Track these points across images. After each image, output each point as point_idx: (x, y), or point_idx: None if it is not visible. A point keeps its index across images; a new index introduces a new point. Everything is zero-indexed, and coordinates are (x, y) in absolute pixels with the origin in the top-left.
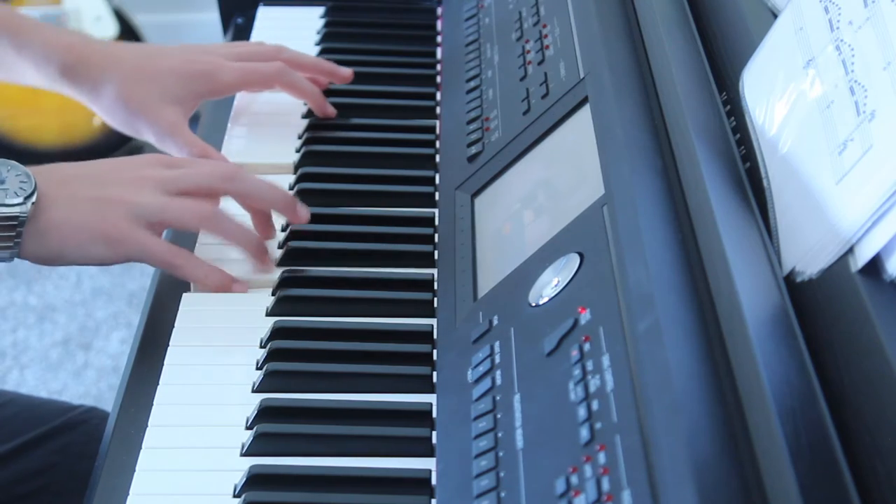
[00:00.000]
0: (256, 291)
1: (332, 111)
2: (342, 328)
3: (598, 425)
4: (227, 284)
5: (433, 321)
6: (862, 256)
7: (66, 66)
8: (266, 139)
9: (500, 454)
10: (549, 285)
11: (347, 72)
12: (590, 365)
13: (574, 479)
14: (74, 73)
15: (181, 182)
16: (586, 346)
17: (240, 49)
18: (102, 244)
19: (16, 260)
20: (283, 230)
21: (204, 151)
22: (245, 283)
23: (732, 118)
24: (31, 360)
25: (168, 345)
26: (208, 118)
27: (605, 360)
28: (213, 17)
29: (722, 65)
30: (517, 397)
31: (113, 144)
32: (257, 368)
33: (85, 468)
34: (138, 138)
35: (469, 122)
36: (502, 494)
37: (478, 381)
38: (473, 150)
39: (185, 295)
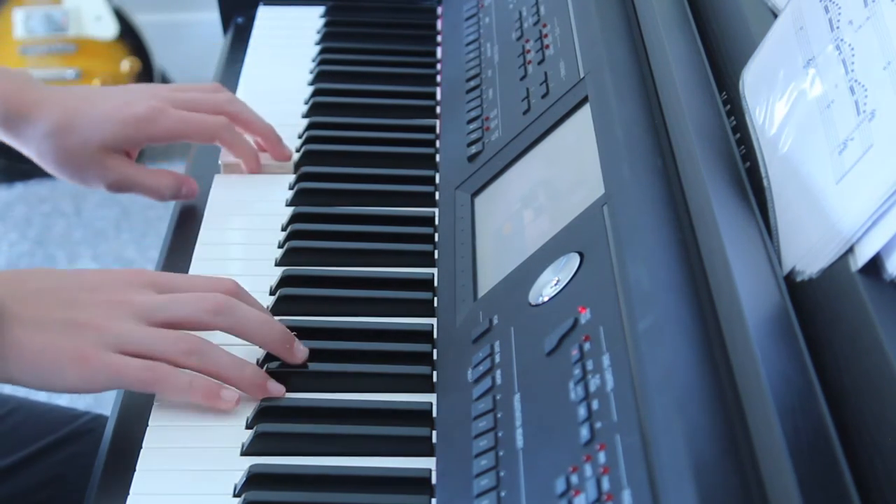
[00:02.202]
0: (257, 292)
1: (259, 169)
2: (342, 328)
3: (598, 425)
4: (214, 392)
5: (433, 321)
6: (862, 256)
7: (3, 119)
8: None
9: (501, 453)
10: (549, 285)
11: (289, 151)
12: (590, 364)
13: (574, 479)
14: (13, 127)
15: (163, 313)
16: (586, 346)
17: (188, 95)
18: (67, 371)
19: (17, 259)
20: (283, 230)
21: (171, 181)
22: (235, 395)
23: (732, 118)
24: None
25: None
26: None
27: (606, 360)
28: (213, 16)
29: (722, 64)
30: (517, 397)
31: None
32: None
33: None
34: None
35: (469, 122)
36: (502, 494)
37: (478, 380)
38: (473, 149)
39: None
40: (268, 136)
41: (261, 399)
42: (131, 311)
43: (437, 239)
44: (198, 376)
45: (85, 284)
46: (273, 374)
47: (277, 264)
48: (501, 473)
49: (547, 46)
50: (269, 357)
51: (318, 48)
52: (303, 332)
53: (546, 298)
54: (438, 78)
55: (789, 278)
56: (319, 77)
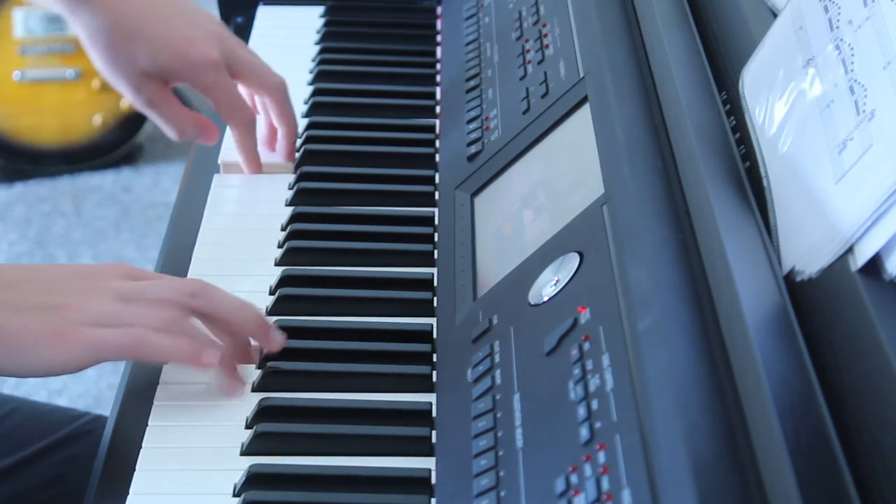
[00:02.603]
0: (257, 292)
1: (260, 170)
2: (342, 328)
3: (597, 425)
4: (196, 352)
5: (433, 321)
6: (862, 255)
7: None
8: None
9: (500, 453)
10: (548, 284)
11: (293, 153)
12: (589, 364)
13: (574, 479)
14: (73, 5)
15: (140, 294)
16: (586, 346)
17: (248, 58)
18: (45, 350)
19: (16, 259)
20: (283, 229)
21: (193, 123)
22: (217, 354)
23: (732, 117)
24: None
25: None
26: (208, 116)
27: (605, 360)
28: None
29: (722, 64)
30: (517, 396)
31: (113, 143)
32: (256, 367)
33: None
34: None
35: (469, 122)
36: (502, 493)
37: (477, 380)
38: (473, 149)
39: None
40: (290, 135)
41: (259, 400)
42: (109, 292)
43: (436, 239)
44: (178, 340)
45: (62, 274)
46: (271, 374)
47: (277, 264)
48: (501, 473)
49: (547, 46)
50: (267, 357)
51: (317, 48)
52: (303, 332)
53: (546, 298)
54: (438, 78)
55: (789, 278)
56: (319, 77)
